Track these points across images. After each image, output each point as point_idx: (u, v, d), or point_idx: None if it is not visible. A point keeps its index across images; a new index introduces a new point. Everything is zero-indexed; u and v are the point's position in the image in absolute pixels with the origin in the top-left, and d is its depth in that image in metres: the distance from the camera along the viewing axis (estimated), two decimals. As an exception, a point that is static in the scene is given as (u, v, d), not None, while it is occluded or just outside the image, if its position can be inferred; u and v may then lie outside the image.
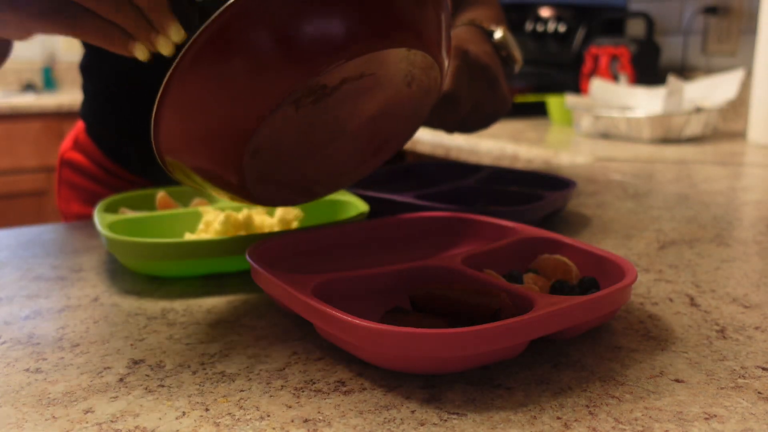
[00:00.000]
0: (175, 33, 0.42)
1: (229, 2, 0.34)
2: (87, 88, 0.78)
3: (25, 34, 0.46)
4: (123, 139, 0.75)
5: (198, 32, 0.35)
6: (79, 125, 0.80)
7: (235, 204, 0.60)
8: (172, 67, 0.36)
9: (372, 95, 0.42)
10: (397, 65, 0.40)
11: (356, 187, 0.66)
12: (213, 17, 0.34)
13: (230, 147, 0.39)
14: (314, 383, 0.34)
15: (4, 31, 0.46)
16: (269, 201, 0.47)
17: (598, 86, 1.46)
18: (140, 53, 0.43)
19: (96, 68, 0.75)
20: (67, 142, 0.80)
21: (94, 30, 0.42)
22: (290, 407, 0.31)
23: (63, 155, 0.79)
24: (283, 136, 0.40)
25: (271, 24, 0.35)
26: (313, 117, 0.40)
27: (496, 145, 1.30)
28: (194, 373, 0.35)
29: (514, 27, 1.74)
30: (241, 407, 0.32)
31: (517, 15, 1.82)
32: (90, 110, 0.77)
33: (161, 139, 0.40)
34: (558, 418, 0.30)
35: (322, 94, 0.39)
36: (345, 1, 0.36)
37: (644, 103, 1.39)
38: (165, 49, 0.43)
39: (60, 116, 2.46)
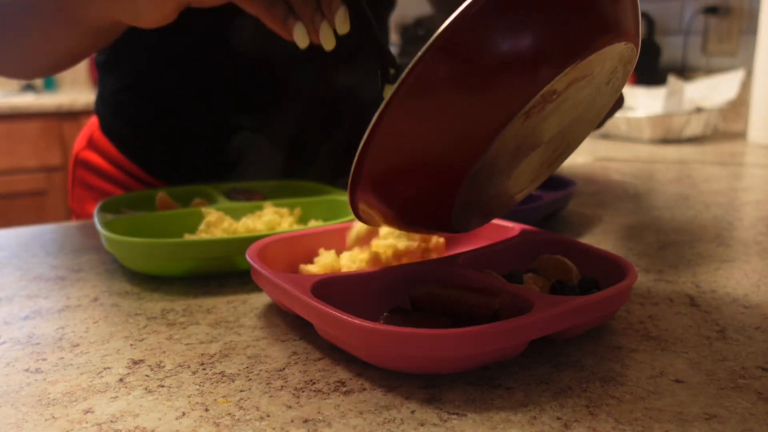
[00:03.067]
0: (341, 21, 0.39)
1: (464, 5, 0.31)
2: (106, 86, 0.76)
3: (174, 9, 0.44)
4: (145, 138, 0.75)
5: (431, 41, 0.31)
6: (93, 123, 0.79)
7: (232, 206, 0.60)
8: (396, 85, 0.32)
9: (577, 98, 0.38)
10: (609, 62, 0.37)
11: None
12: (448, 21, 0.31)
13: (456, 169, 0.35)
14: (314, 383, 0.34)
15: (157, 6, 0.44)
16: (457, 229, 0.42)
17: (599, 86, 1.46)
18: (300, 36, 0.40)
19: (117, 65, 0.74)
20: (80, 141, 0.79)
21: (265, 4, 0.40)
22: (290, 407, 0.31)
23: (78, 155, 0.79)
24: (500, 152, 0.36)
25: (519, 20, 0.32)
26: (529, 129, 0.36)
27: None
28: (194, 373, 0.35)
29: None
30: (240, 407, 0.31)
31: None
32: (109, 109, 0.76)
33: (367, 170, 0.36)
34: (558, 418, 0.30)
35: (547, 102, 0.35)
36: None
37: (644, 103, 1.39)
38: (327, 40, 0.39)
39: (60, 116, 2.46)
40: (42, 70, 0.63)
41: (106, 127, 0.77)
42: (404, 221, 0.40)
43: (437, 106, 0.33)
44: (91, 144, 0.77)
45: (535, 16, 0.32)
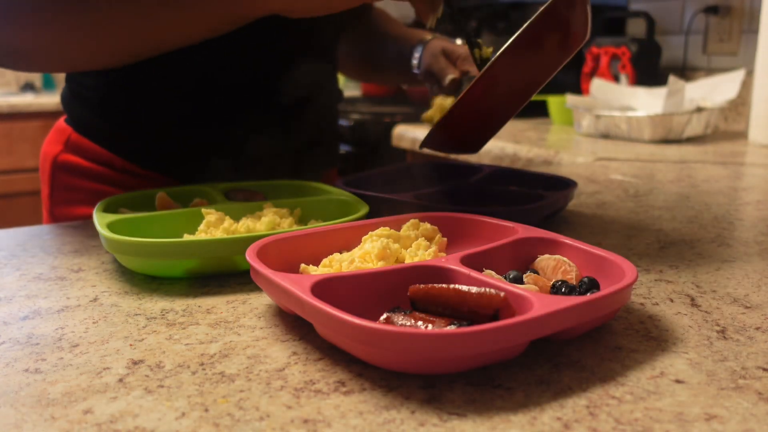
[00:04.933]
0: (441, 11, 0.61)
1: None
2: (83, 83, 0.76)
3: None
4: (126, 128, 0.74)
5: (535, 16, 0.51)
6: (63, 128, 0.78)
7: (232, 206, 0.60)
8: (513, 39, 0.52)
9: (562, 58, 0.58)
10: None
11: (356, 188, 0.66)
12: (544, 8, 0.51)
13: (521, 101, 0.57)
14: (314, 383, 0.34)
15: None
16: (480, 147, 0.64)
17: (599, 86, 1.46)
18: (431, 21, 0.60)
19: None
20: (54, 146, 0.78)
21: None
22: (290, 408, 0.31)
23: (56, 160, 0.77)
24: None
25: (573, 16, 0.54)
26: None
27: (496, 144, 1.30)
28: (194, 373, 0.35)
29: (515, 26, 1.74)
30: (240, 408, 0.31)
31: (518, 14, 1.82)
32: (96, 106, 0.76)
33: (474, 97, 0.55)
34: (558, 418, 0.30)
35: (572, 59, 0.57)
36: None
37: (645, 103, 1.39)
38: (433, 21, 0.61)
39: (59, 116, 2.46)
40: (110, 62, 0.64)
41: (83, 125, 0.76)
42: (467, 140, 0.63)
43: (533, 56, 0.54)
44: (68, 147, 0.76)
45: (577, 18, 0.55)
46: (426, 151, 0.65)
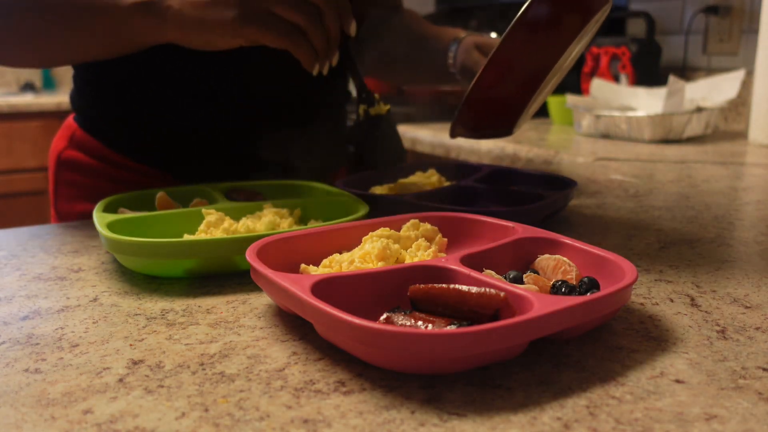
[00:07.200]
0: (335, 60, 0.62)
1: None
2: (86, 79, 0.77)
3: (233, 42, 0.60)
4: (136, 124, 0.75)
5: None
6: (70, 125, 0.79)
7: (232, 206, 0.60)
8: (511, 26, 0.54)
9: (582, 39, 0.59)
10: (602, 15, 0.60)
11: (356, 188, 0.66)
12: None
13: (539, 72, 0.57)
14: (314, 383, 0.34)
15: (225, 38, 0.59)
16: (513, 131, 0.65)
17: (599, 86, 1.46)
18: (316, 69, 0.61)
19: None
20: (60, 142, 0.79)
21: (305, 49, 0.59)
22: (290, 408, 0.31)
23: (60, 155, 0.78)
24: (553, 70, 0.58)
25: None
26: (569, 52, 0.58)
27: (496, 144, 1.30)
28: (194, 373, 0.35)
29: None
30: (240, 408, 0.31)
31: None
32: (92, 101, 0.77)
33: (486, 85, 0.57)
34: (558, 418, 0.30)
35: (584, 33, 0.57)
36: None
37: (645, 103, 1.39)
38: (326, 69, 0.62)
39: (59, 115, 2.46)
40: (44, 65, 0.72)
41: (85, 119, 0.77)
42: (494, 124, 0.63)
43: (540, 37, 0.55)
44: (72, 143, 0.77)
45: None
46: (457, 138, 0.66)
